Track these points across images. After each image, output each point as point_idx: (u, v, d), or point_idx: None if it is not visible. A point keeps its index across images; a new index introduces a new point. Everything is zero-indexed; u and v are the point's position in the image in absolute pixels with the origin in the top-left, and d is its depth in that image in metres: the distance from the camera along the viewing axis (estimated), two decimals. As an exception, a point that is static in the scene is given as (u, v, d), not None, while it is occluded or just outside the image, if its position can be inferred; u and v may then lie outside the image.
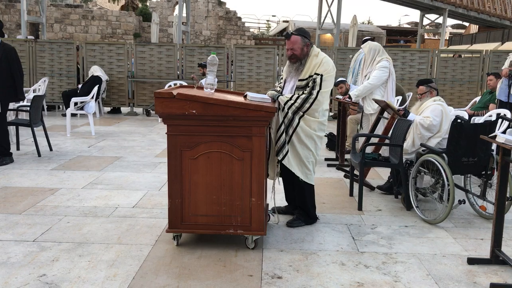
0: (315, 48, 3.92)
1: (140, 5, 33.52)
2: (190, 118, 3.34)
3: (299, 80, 3.89)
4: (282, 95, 3.92)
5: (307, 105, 3.82)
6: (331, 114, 10.64)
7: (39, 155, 6.44)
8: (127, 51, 11.10)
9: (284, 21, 36.15)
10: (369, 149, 5.05)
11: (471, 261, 3.39)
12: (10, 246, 3.52)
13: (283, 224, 4.09)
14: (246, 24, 32.10)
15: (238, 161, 3.43)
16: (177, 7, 21.08)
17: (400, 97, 7.58)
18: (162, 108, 3.34)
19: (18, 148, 6.81)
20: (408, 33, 37.88)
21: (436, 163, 4.09)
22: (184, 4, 21.78)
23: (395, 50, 11.44)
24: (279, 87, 4.16)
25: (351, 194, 5.01)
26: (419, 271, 3.26)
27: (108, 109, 11.52)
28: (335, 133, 7.05)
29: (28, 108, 6.50)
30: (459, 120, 4.03)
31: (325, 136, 7.70)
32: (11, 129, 6.90)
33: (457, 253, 3.58)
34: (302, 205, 4.15)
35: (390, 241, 3.80)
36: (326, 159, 6.66)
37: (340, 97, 6.60)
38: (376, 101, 5.59)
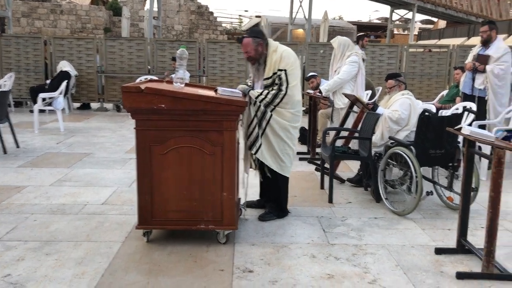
0: (272, 44, 3.92)
1: (110, -1, 32.90)
2: (159, 113, 3.30)
3: (265, 79, 3.89)
4: (252, 89, 3.92)
5: (277, 100, 3.82)
6: (303, 108, 10.69)
7: (4, 152, 6.27)
8: (96, 46, 10.89)
9: (256, 16, 36.07)
10: (339, 143, 5.10)
11: (438, 251, 3.46)
12: (-27, 246, 3.42)
13: (255, 218, 4.09)
14: (218, 19, 31.96)
15: (209, 156, 3.40)
16: (148, 1, 20.79)
17: (369, 92, 7.68)
18: (130, 103, 3.29)
19: (-18, 146, 6.61)
20: (378, 28, 38.36)
21: (404, 155, 4.16)
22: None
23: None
24: (250, 83, 4.15)
25: (322, 187, 5.05)
26: (388, 262, 3.32)
27: (77, 105, 11.29)
28: (307, 127, 7.08)
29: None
30: (426, 113, 4.10)
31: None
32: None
33: (425, 243, 3.66)
34: (275, 198, 4.16)
35: (360, 232, 3.85)
36: (298, 153, 6.68)
37: (311, 91, 6.63)
38: (346, 95, 5.64)
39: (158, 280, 2.99)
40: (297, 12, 23.92)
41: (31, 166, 5.72)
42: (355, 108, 5.52)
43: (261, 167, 4.06)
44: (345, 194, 4.91)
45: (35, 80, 10.73)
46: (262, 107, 3.81)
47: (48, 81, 10.14)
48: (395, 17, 26.17)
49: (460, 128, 3.21)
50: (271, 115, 3.84)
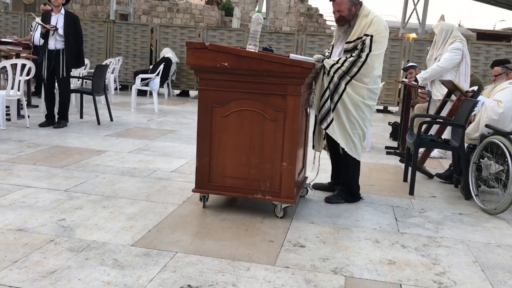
0: (366, 8, 3.58)
1: (224, 0, 34.12)
2: (222, 72, 3.16)
3: (347, 43, 3.57)
4: (328, 58, 3.64)
5: (355, 69, 3.50)
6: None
7: (98, 123, 6.60)
8: (199, 35, 11.20)
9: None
10: (432, 132, 4.61)
11: (531, 253, 2.91)
12: (41, 193, 3.55)
13: (321, 200, 3.80)
14: (328, 22, 31.58)
15: (271, 121, 3.19)
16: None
17: (476, 87, 6.92)
18: (194, 59, 3.19)
19: (81, 116, 7.04)
20: (502, 37, 35.27)
21: (501, 145, 3.59)
22: (265, 0, 21.83)
23: (478, 43, 10.58)
24: (328, 53, 3.87)
25: (405, 179, 4.59)
26: (465, 257, 2.85)
27: (177, 92, 11.71)
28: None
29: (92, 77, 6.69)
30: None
31: (389, 124, 7.28)
32: (74, 97, 7.16)
33: (515, 244, 3.10)
34: (345, 181, 3.83)
35: (438, 226, 3.38)
36: (386, 147, 6.21)
37: (406, 80, 6.12)
38: (442, 82, 5.09)
39: (202, 242, 2.84)
40: (409, 16, 22.83)
41: (117, 136, 5.94)
42: (453, 97, 4.96)
43: (333, 146, 3.77)
44: (430, 188, 4.40)
45: (140, 66, 11.31)
46: (335, 79, 3.51)
47: (151, 66, 10.63)
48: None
49: None
50: (345, 88, 3.52)
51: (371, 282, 2.47)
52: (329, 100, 3.54)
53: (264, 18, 21.01)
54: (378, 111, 10.99)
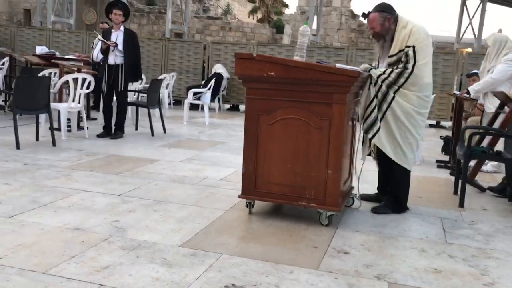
0: (403, 19, 3.58)
1: (275, 18, 34.59)
2: (268, 81, 3.26)
3: (389, 57, 3.59)
4: (375, 68, 3.67)
5: (402, 80, 3.50)
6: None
7: (152, 134, 6.87)
8: (249, 50, 11.44)
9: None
10: (484, 145, 4.49)
11: None
12: (97, 197, 3.75)
13: (368, 210, 3.79)
14: (380, 38, 31.23)
15: (316, 129, 3.25)
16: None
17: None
18: (242, 70, 3.31)
19: (136, 128, 7.35)
20: None
21: (558, 156, 3.47)
22: (315, 16, 21.98)
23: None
24: (375, 64, 3.89)
25: (455, 192, 4.47)
26: (516, 270, 2.76)
27: (228, 106, 11.96)
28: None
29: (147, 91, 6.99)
30: None
31: (441, 138, 7.12)
32: (131, 110, 7.49)
33: None
34: (394, 191, 3.80)
35: (489, 238, 3.29)
36: (437, 161, 6.08)
37: (458, 92, 6.00)
38: (494, 94, 4.96)
39: (247, 245, 2.92)
40: (464, 32, 22.25)
41: (169, 146, 6.16)
42: (506, 109, 4.81)
43: (381, 156, 3.76)
44: (482, 202, 4.28)
45: (193, 81, 11.67)
46: (383, 88, 3.53)
47: (203, 82, 10.94)
48: None
49: None
50: (394, 96, 3.53)
51: (415, 288, 2.45)
52: (376, 110, 3.55)
53: (314, 35, 21.14)
54: (431, 125, 10.75)
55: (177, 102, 12.14)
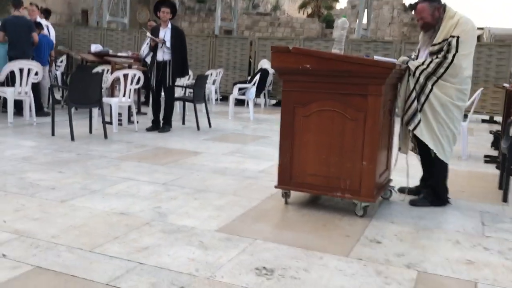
0: (451, 10, 3.54)
1: (325, 12, 34.31)
2: (304, 73, 3.33)
3: (432, 45, 3.56)
4: (414, 60, 3.66)
5: (441, 70, 3.48)
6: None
7: (198, 128, 7.09)
8: (295, 45, 11.46)
9: (478, 28, 33.23)
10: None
11: None
12: (143, 185, 3.97)
13: (406, 203, 3.78)
14: (433, 32, 30.31)
15: (351, 121, 3.29)
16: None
17: None
18: (278, 63, 3.41)
19: (183, 123, 7.59)
20: None
21: None
22: (366, 10, 21.66)
23: None
24: (414, 55, 3.88)
25: (500, 187, 4.37)
26: (554, 263, 2.70)
27: (274, 101, 12.06)
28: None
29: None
30: None
31: (490, 133, 6.91)
32: (178, 105, 7.74)
33: None
34: (432, 184, 3.78)
35: (530, 232, 3.22)
36: (485, 156, 5.92)
37: (507, 85, 5.81)
38: None
39: (281, 232, 3.02)
40: (525, 22, 21.20)
41: (214, 140, 6.34)
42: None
43: (422, 148, 3.74)
44: (528, 197, 4.16)
45: (239, 77, 11.86)
46: (421, 80, 3.52)
47: (249, 77, 11.10)
48: None
49: None
50: (431, 89, 3.51)
51: (444, 278, 2.46)
52: (415, 101, 3.55)
53: (365, 29, 20.87)
54: (483, 121, 10.40)
55: (224, 98, 12.34)
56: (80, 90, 5.76)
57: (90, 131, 6.24)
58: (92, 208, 3.31)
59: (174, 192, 3.80)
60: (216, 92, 11.17)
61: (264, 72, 10.53)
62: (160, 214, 3.25)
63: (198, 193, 3.79)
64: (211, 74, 10.13)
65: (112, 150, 5.31)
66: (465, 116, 6.86)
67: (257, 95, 11.14)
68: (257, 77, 8.97)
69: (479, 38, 27.52)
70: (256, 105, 11.58)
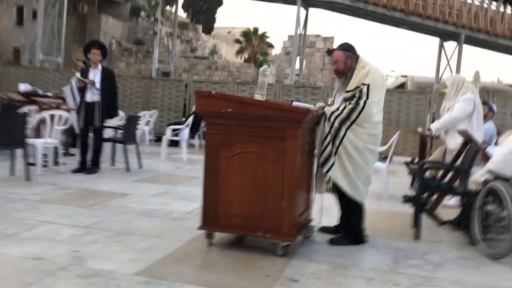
0: (363, 60, 3.85)
1: (261, 58, 35.41)
2: (226, 117, 3.45)
3: (346, 92, 3.82)
4: (329, 106, 3.89)
5: (354, 115, 3.72)
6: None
7: (127, 170, 6.99)
8: (229, 89, 11.74)
9: (402, 76, 35.41)
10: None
11: (524, 294, 2.93)
12: (63, 228, 3.85)
13: (326, 242, 3.92)
14: (363, 78, 32.01)
15: (271, 163, 3.42)
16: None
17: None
18: (202, 106, 3.52)
19: (113, 164, 7.46)
20: (544, 92, 34.58)
21: (501, 190, 3.66)
22: (298, 57, 22.63)
23: (505, 96, 10.59)
24: (331, 101, 4.13)
25: (415, 225, 4.63)
26: (456, 296, 2.90)
27: (208, 143, 12.14)
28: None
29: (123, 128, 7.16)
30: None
31: (409, 174, 7.32)
32: (108, 146, 7.63)
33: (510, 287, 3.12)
34: (348, 224, 3.96)
35: (437, 267, 3.44)
36: (404, 196, 6.25)
37: (420, 129, 6.26)
38: (459, 132, 5.18)
39: (202, 274, 3.04)
40: (443, 72, 22.99)
41: (143, 181, 6.29)
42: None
43: (338, 190, 3.93)
44: (440, 234, 4.44)
45: (174, 118, 11.89)
46: (336, 124, 3.74)
47: (183, 119, 11.16)
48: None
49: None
50: (346, 133, 3.74)
51: (355, 313, 2.57)
52: (330, 145, 3.75)
53: (297, 75, 21.64)
54: (406, 163, 10.97)
55: (159, 139, 12.26)
56: (3, 130, 5.57)
57: (12, 173, 5.99)
58: (4, 253, 3.17)
59: (95, 235, 3.72)
60: (150, 133, 11.12)
61: (198, 113, 10.64)
62: (78, 258, 3.17)
63: (120, 236, 3.73)
64: (145, 115, 10.10)
65: (34, 192, 5.13)
66: (385, 158, 7.27)
67: (192, 136, 11.19)
68: (191, 118, 9.06)
69: (403, 85, 29.40)
70: (190, 146, 11.60)
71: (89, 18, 27.82)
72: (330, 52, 3.98)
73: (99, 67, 6.66)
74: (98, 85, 6.54)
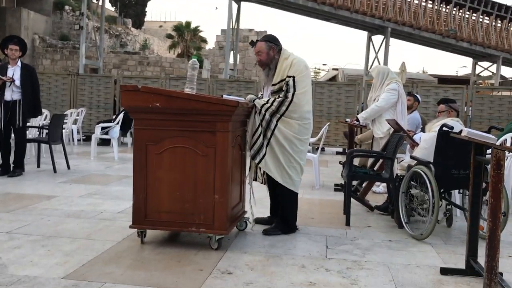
0: (286, 52, 3.91)
1: (194, 53, 35.04)
2: (154, 112, 3.38)
3: (272, 85, 3.87)
4: (259, 98, 3.92)
5: (283, 108, 3.77)
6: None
7: (54, 171, 6.68)
8: (161, 85, 11.53)
9: (333, 69, 36.38)
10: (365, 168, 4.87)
11: (444, 271, 3.11)
12: (-18, 235, 3.62)
13: (260, 233, 3.96)
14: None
15: (202, 157, 3.39)
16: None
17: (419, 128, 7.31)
18: (128, 101, 3.42)
19: (38, 166, 7.10)
20: (461, 82, 36.89)
21: (423, 174, 3.86)
22: (232, 52, 22.61)
23: (428, 86, 11.18)
24: (260, 94, 4.16)
25: (344, 212, 4.79)
26: (383, 277, 3.02)
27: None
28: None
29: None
30: (444, 128, 3.82)
31: (339, 163, 7.56)
32: (33, 147, 7.26)
33: (433, 265, 3.30)
34: (283, 213, 4.01)
35: (366, 251, 3.57)
36: (335, 185, 6.45)
37: (348, 119, 6.47)
38: (388, 121, 5.39)
39: (133, 273, 2.96)
40: (372, 63, 23.85)
41: (71, 182, 6.04)
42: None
43: (270, 181, 3.97)
44: (368, 220, 4.61)
45: (104, 116, 11.51)
46: (267, 116, 3.77)
47: (114, 117, 10.83)
48: (478, 69, 25.30)
49: (461, 132, 2.95)
50: (276, 124, 3.78)
51: (287, 301, 2.61)
52: (261, 137, 3.78)
53: (231, 69, 21.62)
54: (338, 153, 11.34)
55: (88, 138, 11.85)
56: None
57: None
58: None
59: (18, 240, 3.52)
60: (78, 132, 10.70)
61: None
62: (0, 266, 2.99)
63: (46, 240, 3.56)
64: (71, 114, 9.69)
65: (-51, 199, 4.78)
66: (316, 149, 7.46)
67: (123, 134, 10.92)
68: (121, 115, 8.80)
69: (334, 78, 30.24)
70: (122, 144, 11.32)
71: (8, 12, 26.20)
72: (253, 43, 4.01)
73: (19, 63, 6.29)
74: (18, 82, 6.19)
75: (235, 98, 3.73)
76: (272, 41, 3.90)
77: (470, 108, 10.79)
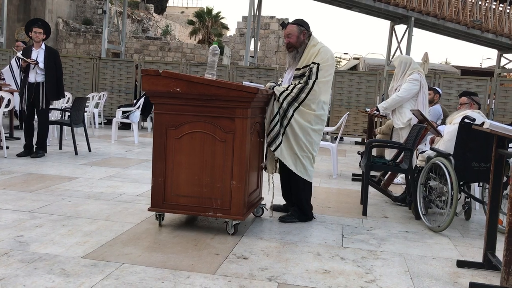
0: (315, 39, 3.89)
1: (215, 39, 35.01)
2: (175, 97, 3.40)
3: (296, 70, 3.86)
4: (279, 86, 3.91)
5: (302, 95, 3.76)
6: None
7: (76, 153, 6.80)
8: (181, 70, 11.57)
9: (355, 58, 36.00)
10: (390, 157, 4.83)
11: (461, 263, 3.09)
12: (5, 213, 3.71)
13: (276, 219, 3.98)
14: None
15: (221, 142, 3.41)
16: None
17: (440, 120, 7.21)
18: (149, 86, 3.44)
19: (60, 147, 7.23)
20: (485, 74, 36.15)
21: (442, 166, 3.82)
22: (253, 39, 22.50)
23: (450, 77, 10.99)
24: (281, 80, 4.15)
25: (362, 202, 4.77)
26: (398, 267, 3.02)
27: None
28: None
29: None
30: (466, 120, 3.76)
31: (358, 154, 7.52)
32: (55, 129, 7.38)
33: (450, 257, 3.28)
34: (297, 202, 4.02)
35: (382, 241, 3.56)
36: (353, 174, 6.42)
37: (368, 109, 6.41)
38: (412, 112, 5.32)
39: (150, 254, 3.01)
40: (394, 53, 23.51)
41: (92, 164, 6.13)
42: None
43: (284, 168, 3.97)
44: (386, 210, 4.59)
45: (125, 100, 11.62)
46: (284, 105, 3.76)
47: (135, 101, 10.93)
48: (503, 61, 24.73)
49: (483, 124, 2.90)
50: (293, 114, 3.77)
51: (302, 287, 2.63)
52: (278, 124, 3.78)
53: (252, 57, 21.56)
54: (356, 143, 11.27)
55: (109, 122, 12.00)
56: None
57: (-50, 158, 5.71)
58: None
59: (40, 219, 3.61)
60: (100, 115, 10.83)
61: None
62: (21, 243, 3.07)
63: (67, 220, 3.64)
64: (93, 97, 9.81)
65: (-26, 177, 4.91)
66: (335, 139, 7.41)
67: (144, 118, 11.03)
68: (142, 100, 8.88)
69: (355, 67, 29.91)
70: (142, 128, 11.45)
71: (33, -4, 26.50)
72: (284, 25, 3.99)
73: (43, 46, 6.38)
74: (41, 64, 6.28)
75: (255, 85, 3.72)
76: (303, 26, 3.89)
77: (494, 100, 10.60)
